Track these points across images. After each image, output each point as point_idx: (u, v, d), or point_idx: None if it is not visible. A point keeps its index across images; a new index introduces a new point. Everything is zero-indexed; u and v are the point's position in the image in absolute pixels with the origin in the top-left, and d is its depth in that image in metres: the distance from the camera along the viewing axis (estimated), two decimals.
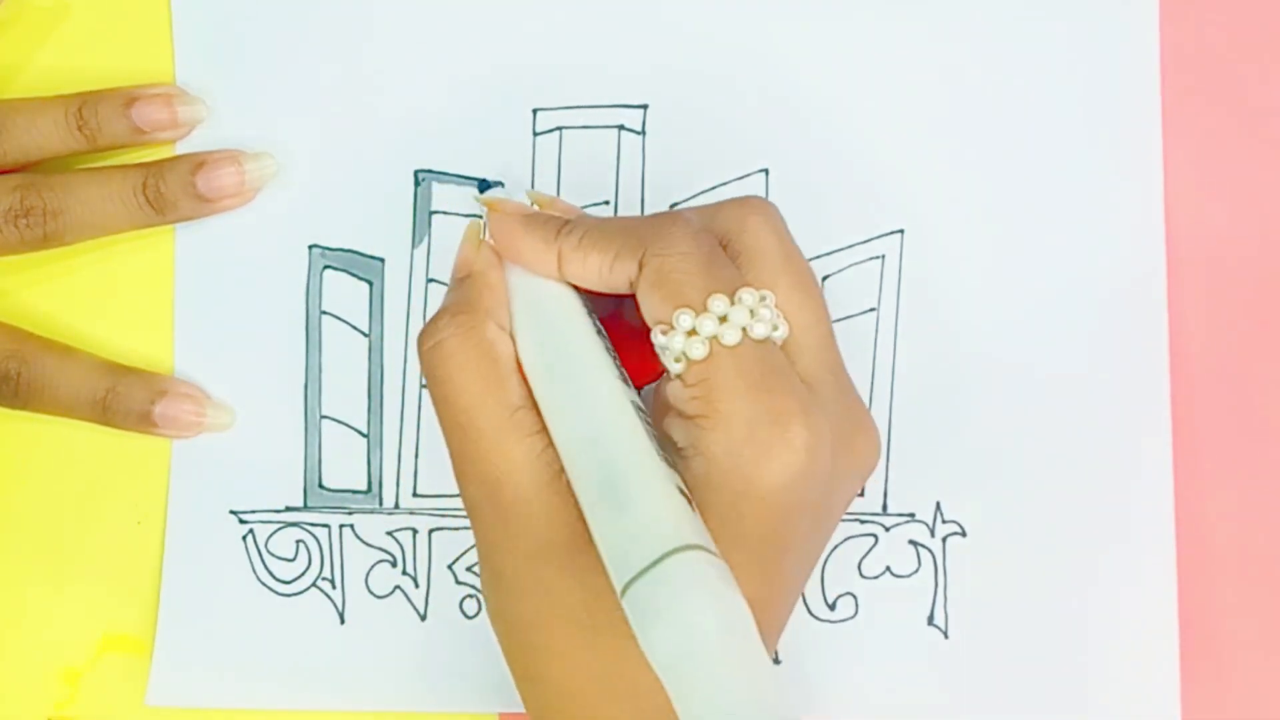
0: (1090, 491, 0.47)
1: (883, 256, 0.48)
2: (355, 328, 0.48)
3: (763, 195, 0.47)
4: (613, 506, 0.36)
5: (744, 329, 0.38)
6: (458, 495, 0.40)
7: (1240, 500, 0.48)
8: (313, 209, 0.48)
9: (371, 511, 0.48)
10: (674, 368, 0.38)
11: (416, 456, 0.48)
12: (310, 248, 0.48)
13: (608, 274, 0.39)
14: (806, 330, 0.40)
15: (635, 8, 0.48)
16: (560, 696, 0.39)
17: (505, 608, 0.40)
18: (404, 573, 0.48)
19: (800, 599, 0.48)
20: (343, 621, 0.48)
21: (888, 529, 0.48)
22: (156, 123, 0.47)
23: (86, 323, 0.48)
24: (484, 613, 0.44)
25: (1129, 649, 0.47)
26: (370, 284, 0.48)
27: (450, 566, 0.48)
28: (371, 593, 0.48)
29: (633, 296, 0.39)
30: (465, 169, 0.48)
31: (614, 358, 0.40)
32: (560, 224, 0.41)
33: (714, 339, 0.37)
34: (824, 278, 0.48)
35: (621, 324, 0.41)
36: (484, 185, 0.45)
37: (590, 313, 0.41)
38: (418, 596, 0.48)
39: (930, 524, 0.48)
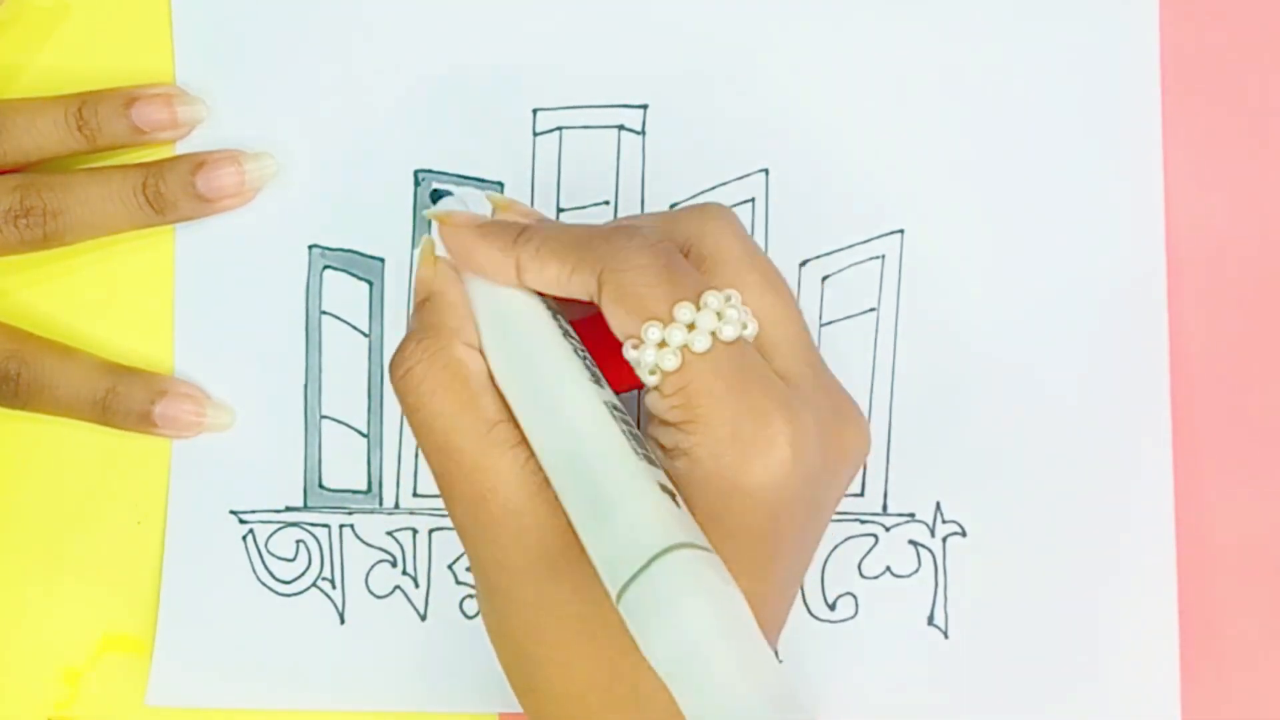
0: (1090, 491, 0.47)
1: (883, 256, 0.48)
2: (355, 328, 0.48)
3: (762, 195, 0.48)
4: (597, 515, 0.36)
5: (713, 333, 0.37)
6: (443, 502, 0.40)
7: (1240, 500, 0.48)
8: (313, 209, 0.48)
9: (371, 511, 0.48)
10: (650, 380, 0.38)
11: (416, 456, 0.48)
12: (310, 248, 0.48)
13: (566, 285, 0.39)
14: (777, 326, 0.40)
15: (635, 8, 0.48)
16: (562, 706, 0.39)
17: (502, 621, 0.40)
18: (404, 573, 0.48)
19: (800, 599, 0.48)
20: (343, 621, 0.48)
21: (888, 529, 0.48)
22: (156, 123, 0.47)
23: (86, 323, 0.48)
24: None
25: (1129, 649, 0.47)
26: (370, 284, 0.48)
27: (450, 566, 0.48)
28: (371, 593, 0.48)
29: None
30: (465, 169, 0.48)
31: (586, 359, 0.39)
32: (516, 231, 0.40)
33: (685, 347, 0.37)
34: (824, 278, 0.48)
35: (602, 329, 0.40)
36: (436, 195, 0.44)
37: (556, 316, 0.40)
38: (418, 596, 0.48)
39: (930, 524, 0.48)
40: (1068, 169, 0.48)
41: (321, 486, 0.48)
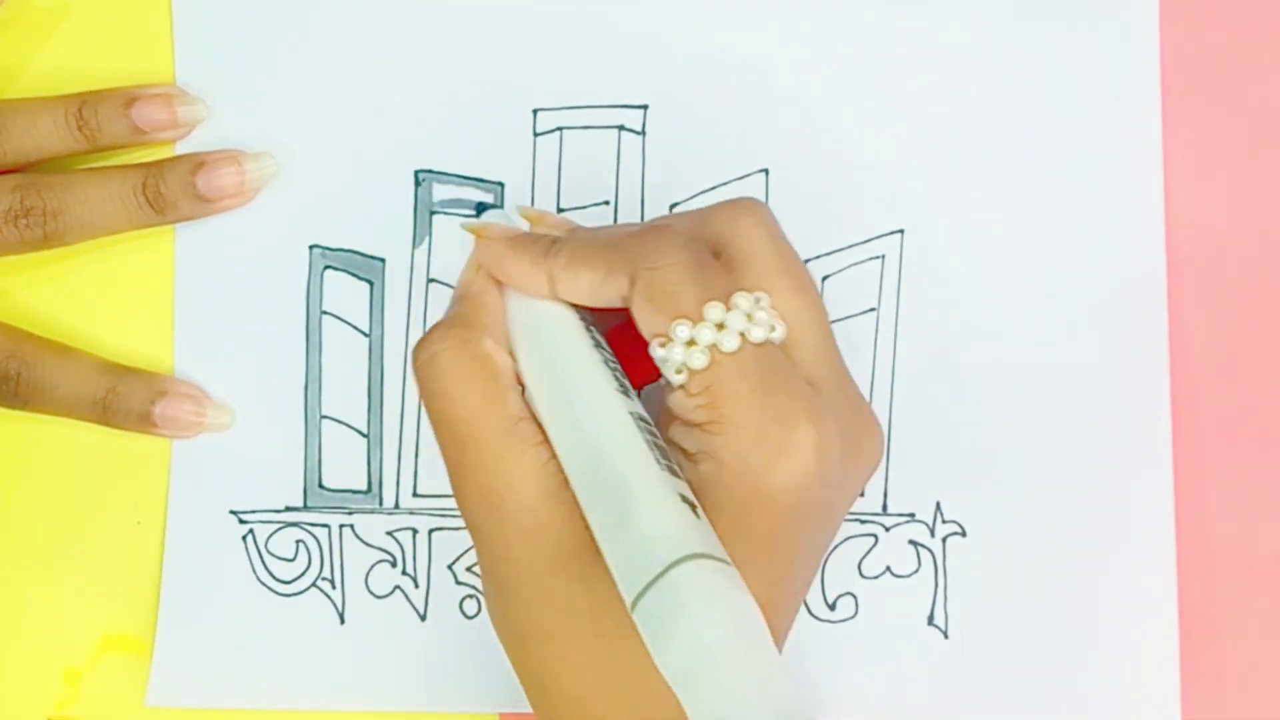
0: (1090, 491, 0.47)
1: (883, 256, 0.48)
2: (355, 328, 0.48)
3: (762, 195, 0.47)
4: (617, 521, 0.36)
5: (742, 334, 0.37)
6: (454, 495, 0.40)
7: (1240, 500, 0.48)
8: (313, 209, 0.48)
9: (371, 511, 0.48)
10: (676, 379, 0.38)
11: (416, 456, 0.48)
12: (310, 248, 0.48)
13: (599, 291, 0.39)
14: (805, 329, 0.39)
15: (635, 8, 0.48)
16: (570, 705, 0.39)
17: (512, 619, 0.40)
18: (404, 573, 0.48)
19: None
20: (343, 621, 0.48)
21: (888, 529, 0.48)
22: (156, 123, 0.47)
23: (86, 323, 0.48)
24: (484, 613, 0.44)
25: (1129, 649, 0.47)
26: (370, 284, 0.48)
27: (450, 566, 0.48)
28: (371, 593, 0.48)
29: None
30: (465, 169, 0.48)
31: (616, 370, 0.39)
32: (548, 243, 0.40)
33: (713, 347, 0.37)
34: (824, 278, 0.48)
35: (630, 332, 0.40)
36: (481, 207, 0.44)
37: (588, 327, 0.40)
38: (418, 596, 0.48)
39: (930, 524, 0.48)
40: (1068, 169, 0.48)
41: (321, 486, 0.48)
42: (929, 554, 0.48)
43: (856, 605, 0.48)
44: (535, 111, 0.48)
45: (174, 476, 0.48)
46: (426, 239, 0.48)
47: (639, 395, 0.39)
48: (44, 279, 0.48)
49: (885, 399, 0.48)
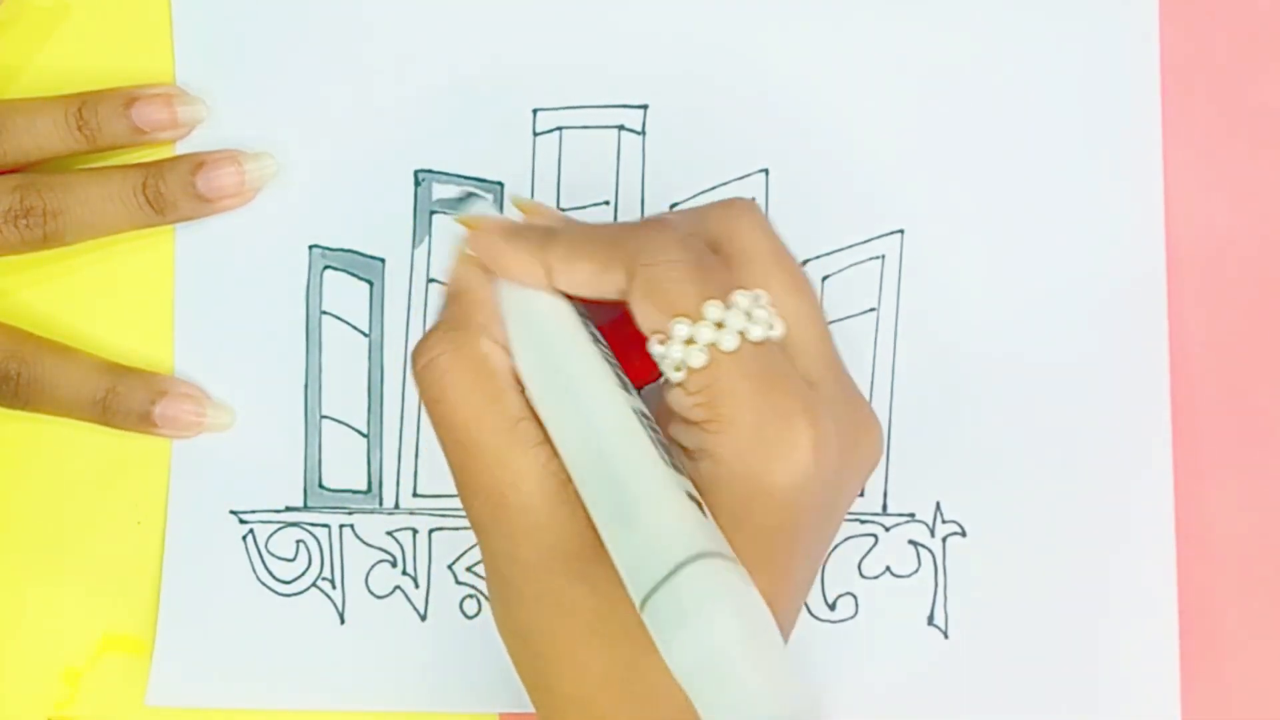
0: (1090, 491, 0.47)
1: (883, 256, 0.48)
2: (355, 328, 0.48)
3: (762, 195, 0.48)
4: (623, 522, 0.36)
5: (741, 333, 0.37)
6: (458, 495, 0.40)
7: (1240, 500, 0.48)
8: (313, 209, 0.48)
9: (371, 511, 0.48)
10: (675, 376, 0.38)
11: (416, 456, 0.48)
12: (310, 248, 0.48)
13: (596, 284, 0.39)
14: (803, 328, 0.39)
15: (635, 8, 0.48)
16: (574, 705, 0.39)
17: (515, 618, 0.40)
18: (404, 573, 0.48)
19: None
20: (343, 621, 0.48)
21: (888, 529, 0.48)
22: (156, 123, 0.47)
23: (86, 323, 0.48)
24: (484, 613, 0.44)
25: (1129, 649, 0.47)
26: (370, 284, 0.48)
27: (450, 566, 0.48)
28: (371, 593, 0.48)
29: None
30: (465, 169, 0.48)
31: (614, 365, 0.39)
32: (544, 234, 0.40)
33: (712, 345, 0.37)
34: (824, 278, 0.48)
35: (628, 328, 0.40)
36: (466, 198, 0.44)
37: (586, 321, 0.40)
38: (418, 596, 0.48)
39: (930, 524, 0.48)
40: (1068, 169, 0.48)
41: (321, 486, 0.48)
42: (929, 554, 0.48)
43: (856, 605, 0.48)
44: (535, 111, 0.48)
45: (174, 476, 0.48)
46: (426, 239, 0.48)
47: (639, 394, 0.39)
48: (44, 279, 0.48)
49: (885, 399, 0.48)
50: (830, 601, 0.48)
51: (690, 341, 0.37)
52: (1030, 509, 0.47)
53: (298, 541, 0.48)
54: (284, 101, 0.48)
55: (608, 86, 0.48)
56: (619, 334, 0.40)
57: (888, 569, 0.48)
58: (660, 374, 0.40)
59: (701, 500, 0.37)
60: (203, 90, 0.48)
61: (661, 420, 0.39)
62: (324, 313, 0.48)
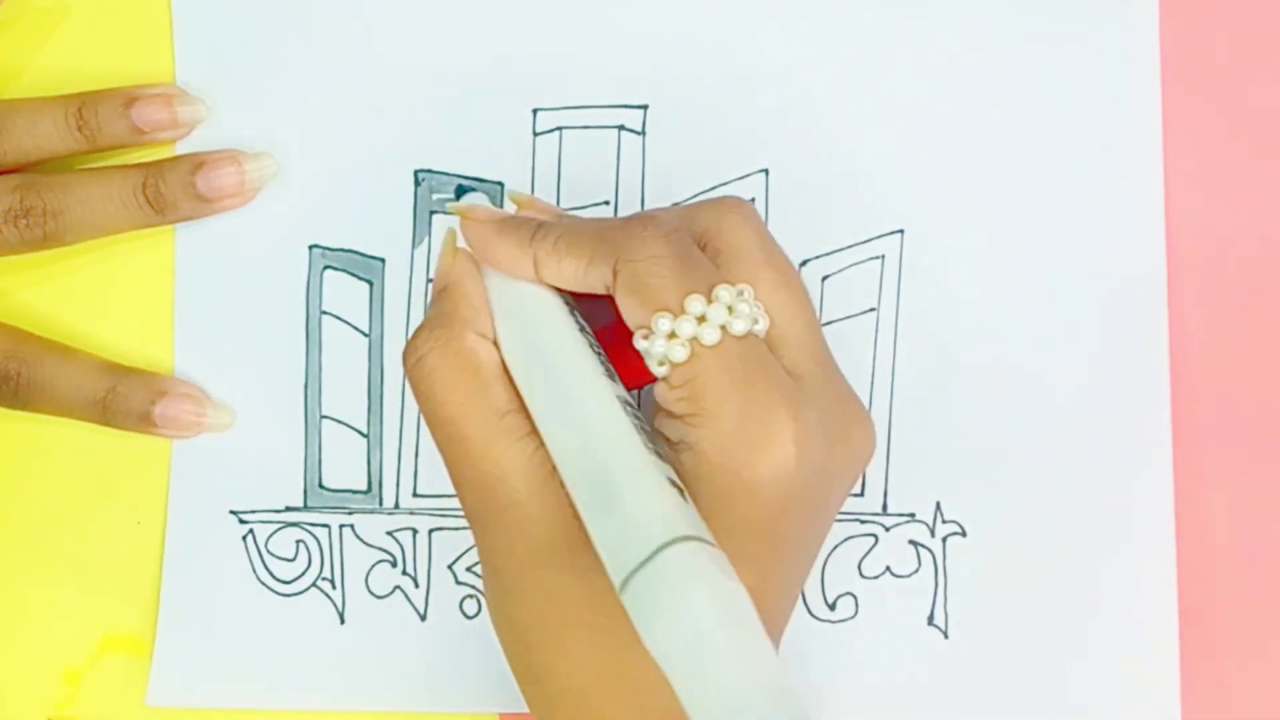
0: (1090, 491, 0.47)
1: (883, 256, 0.48)
2: (355, 328, 0.48)
3: (762, 195, 0.48)
4: (604, 505, 0.36)
5: (723, 326, 0.38)
6: (453, 489, 0.40)
7: (1240, 501, 0.48)
8: (313, 209, 0.48)
9: (371, 511, 0.48)
10: (658, 371, 0.38)
11: (416, 456, 0.48)
12: (310, 248, 0.48)
13: (583, 278, 0.40)
14: (790, 322, 0.40)
15: (635, 8, 0.48)
16: (564, 696, 0.39)
17: (507, 609, 0.40)
18: (404, 573, 0.48)
19: (800, 599, 0.48)
20: (343, 621, 0.48)
21: (888, 529, 0.48)
22: (156, 123, 0.47)
23: (86, 323, 0.48)
24: (484, 613, 0.44)
25: (1129, 649, 0.47)
26: (370, 284, 0.48)
27: (450, 566, 0.48)
28: (371, 593, 0.48)
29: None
30: (465, 169, 0.48)
31: (600, 355, 0.40)
32: (534, 227, 0.41)
33: (694, 340, 0.38)
34: (824, 278, 0.48)
35: (624, 328, 0.40)
36: (461, 190, 0.44)
37: (572, 311, 0.41)
38: (418, 596, 0.48)
39: (930, 524, 0.48)
40: (1068, 169, 0.48)
41: (321, 486, 0.48)
42: (929, 554, 0.48)
43: (856, 605, 0.48)
44: (535, 111, 0.48)
45: (174, 476, 0.48)
46: (426, 239, 0.48)
47: (637, 395, 0.40)
48: (44, 279, 0.48)
49: (885, 399, 0.48)
50: (830, 601, 0.48)
51: (672, 335, 0.38)
52: (1030, 509, 0.47)
53: (298, 541, 0.48)
54: (284, 101, 0.48)
55: (608, 86, 0.48)
56: (617, 336, 0.40)
57: (888, 569, 0.48)
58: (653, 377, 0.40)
59: (684, 487, 0.37)
60: (203, 90, 0.48)
61: (649, 414, 0.39)
62: (324, 313, 0.48)
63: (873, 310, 0.48)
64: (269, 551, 0.48)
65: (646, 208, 0.48)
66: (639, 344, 0.38)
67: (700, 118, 0.48)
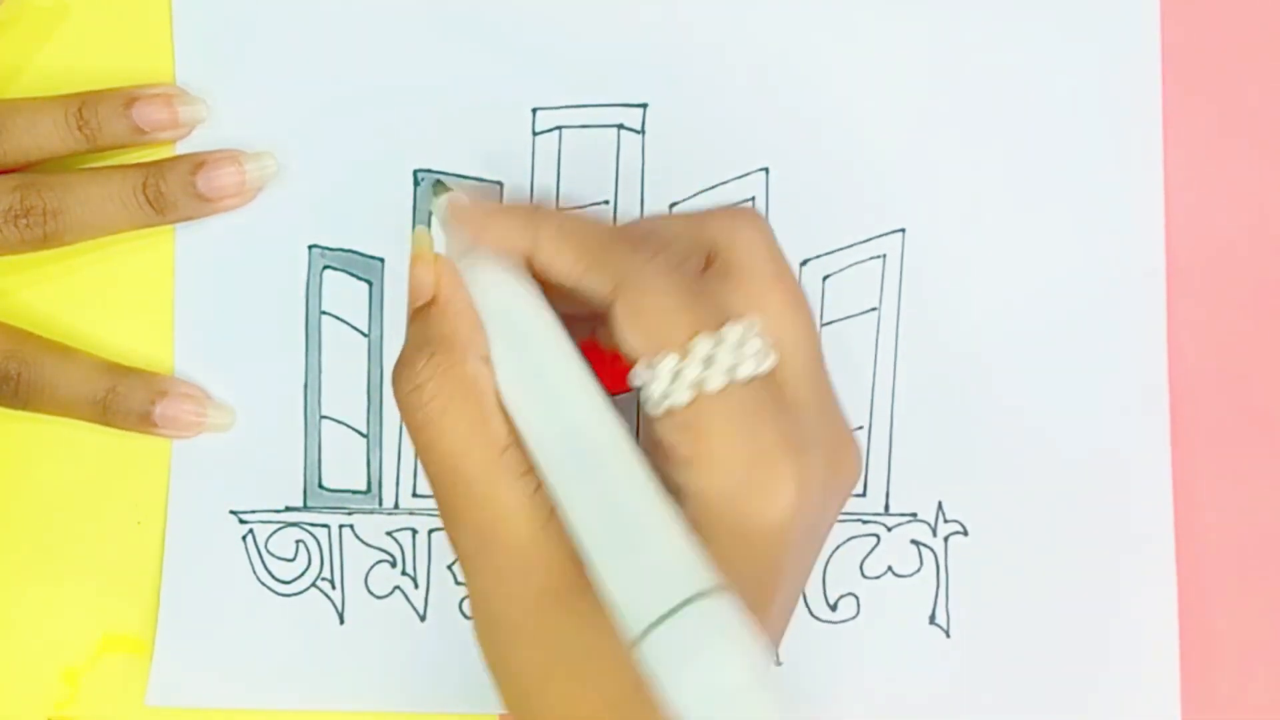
0: (1091, 491, 0.48)
1: (883, 256, 0.48)
2: (355, 328, 0.48)
3: (762, 195, 0.47)
4: (622, 552, 0.35)
5: (729, 370, 0.36)
6: (443, 524, 0.39)
7: (1240, 500, 0.48)
8: (313, 209, 0.48)
9: (371, 511, 0.48)
10: (654, 412, 0.37)
11: (417, 457, 0.48)
12: (310, 248, 0.48)
13: (579, 279, 0.38)
14: (795, 350, 0.39)
15: (635, 8, 0.48)
16: None
17: (504, 654, 0.39)
18: (404, 573, 0.48)
19: (801, 599, 0.48)
20: (342, 621, 0.48)
21: (889, 529, 0.48)
22: (156, 123, 0.47)
23: (86, 323, 0.48)
24: None
25: (1129, 649, 0.47)
26: (370, 284, 0.48)
27: (450, 567, 0.48)
28: (371, 593, 0.48)
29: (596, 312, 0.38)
30: (465, 169, 0.48)
31: (598, 383, 0.38)
32: (534, 208, 0.39)
33: (699, 384, 0.36)
34: (824, 277, 0.48)
35: (598, 346, 0.40)
36: (438, 187, 0.44)
37: (569, 335, 0.39)
38: (417, 597, 0.48)
39: (932, 523, 0.48)
40: (1068, 169, 0.48)
41: (321, 486, 0.48)
42: (931, 554, 0.48)
43: (858, 605, 0.48)
44: (534, 110, 0.48)
45: (174, 476, 0.48)
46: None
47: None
48: (44, 279, 0.48)
49: (885, 399, 0.48)
50: (832, 602, 0.48)
51: (676, 376, 0.36)
52: (1031, 508, 0.47)
53: (297, 541, 0.48)
54: (284, 101, 0.48)
55: (607, 85, 0.48)
56: (594, 350, 0.39)
57: (889, 569, 0.48)
58: (628, 388, 0.38)
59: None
60: (203, 90, 0.47)
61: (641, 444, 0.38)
62: (324, 313, 0.48)
63: (874, 310, 0.48)
64: (269, 551, 0.48)
65: (646, 207, 0.47)
66: (637, 379, 0.37)
67: (700, 116, 0.48)
